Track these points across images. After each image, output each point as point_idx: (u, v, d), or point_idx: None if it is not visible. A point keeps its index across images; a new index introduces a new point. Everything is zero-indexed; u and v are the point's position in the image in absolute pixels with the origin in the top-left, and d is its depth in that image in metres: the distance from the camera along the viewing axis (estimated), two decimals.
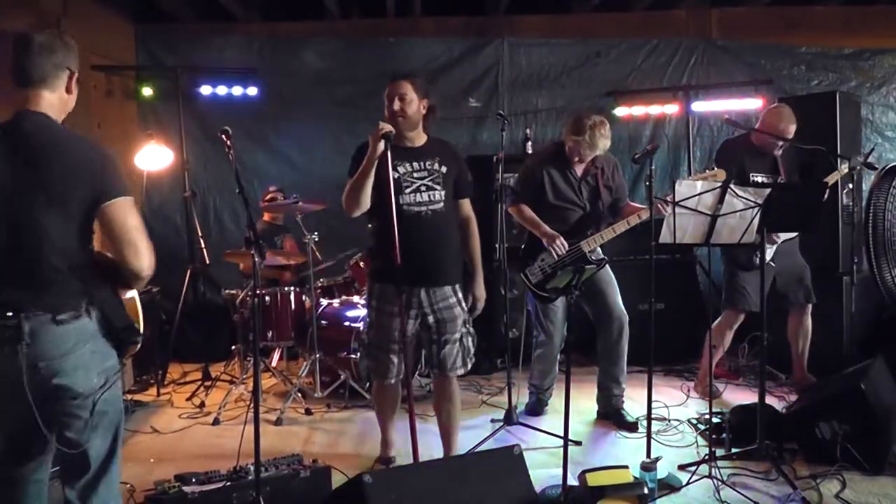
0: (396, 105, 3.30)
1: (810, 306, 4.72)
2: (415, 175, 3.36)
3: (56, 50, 2.22)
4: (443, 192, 3.39)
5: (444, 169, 3.41)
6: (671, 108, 6.30)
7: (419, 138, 3.44)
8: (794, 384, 4.81)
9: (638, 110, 6.31)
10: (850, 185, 4.48)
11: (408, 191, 3.34)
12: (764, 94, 6.10)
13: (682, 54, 6.45)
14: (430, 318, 3.41)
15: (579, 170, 4.26)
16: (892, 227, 5.00)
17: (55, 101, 2.23)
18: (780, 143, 4.37)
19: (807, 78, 6.44)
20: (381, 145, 3.15)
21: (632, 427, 4.22)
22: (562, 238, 4.11)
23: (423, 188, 3.36)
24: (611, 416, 4.37)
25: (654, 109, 6.33)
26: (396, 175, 3.29)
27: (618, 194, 4.33)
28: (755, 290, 4.36)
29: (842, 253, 4.93)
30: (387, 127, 3.17)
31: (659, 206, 3.83)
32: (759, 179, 4.48)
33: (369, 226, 3.52)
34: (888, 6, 6.42)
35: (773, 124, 4.38)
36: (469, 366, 3.53)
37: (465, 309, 3.49)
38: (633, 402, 4.62)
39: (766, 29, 6.49)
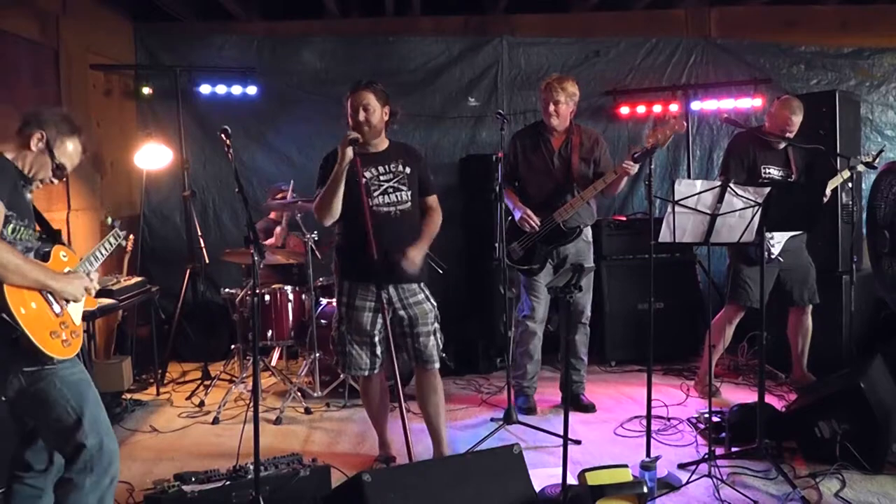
0: (361, 116, 3.41)
1: (811, 306, 4.72)
2: (381, 178, 3.46)
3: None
4: (409, 192, 3.50)
5: (407, 170, 3.52)
6: (670, 107, 6.29)
7: (382, 143, 3.54)
8: (794, 383, 4.80)
9: (637, 109, 6.31)
10: (850, 185, 4.47)
11: (376, 193, 3.44)
12: (763, 92, 6.12)
13: (682, 53, 6.44)
14: (402, 313, 3.49)
15: (555, 142, 4.35)
16: None
17: None
18: (785, 135, 4.38)
19: (806, 77, 6.43)
20: (350, 152, 3.26)
21: (587, 409, 4.47)
22: (529, 213, 4.23)
23: (390, 189, 3.46)
24: (571, 401, 4.44)
25: (654, 108, 6.31)
26: (364, 180, 3.40)
27: (600, 168, 4.34)
28: (759, 286, 4.35)
29: (841, 252, 4.92)
30: (354, 134, 3.29)
31: (625, 165, 4.03)
32: (772, 171, 4.49)
33: (335, 229, 3.57)
34: (887, 5, 6.41)
35: (785, 115, 4.39)
36: (439, 363, 3.58)
37: (435, 305, 3.57)
38: (633, 402, 4.62)
39: (765, 28, 6.48)
